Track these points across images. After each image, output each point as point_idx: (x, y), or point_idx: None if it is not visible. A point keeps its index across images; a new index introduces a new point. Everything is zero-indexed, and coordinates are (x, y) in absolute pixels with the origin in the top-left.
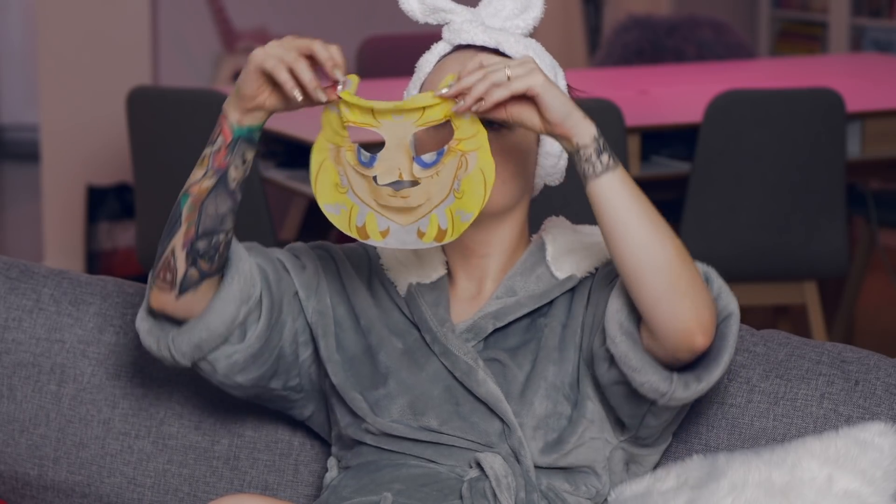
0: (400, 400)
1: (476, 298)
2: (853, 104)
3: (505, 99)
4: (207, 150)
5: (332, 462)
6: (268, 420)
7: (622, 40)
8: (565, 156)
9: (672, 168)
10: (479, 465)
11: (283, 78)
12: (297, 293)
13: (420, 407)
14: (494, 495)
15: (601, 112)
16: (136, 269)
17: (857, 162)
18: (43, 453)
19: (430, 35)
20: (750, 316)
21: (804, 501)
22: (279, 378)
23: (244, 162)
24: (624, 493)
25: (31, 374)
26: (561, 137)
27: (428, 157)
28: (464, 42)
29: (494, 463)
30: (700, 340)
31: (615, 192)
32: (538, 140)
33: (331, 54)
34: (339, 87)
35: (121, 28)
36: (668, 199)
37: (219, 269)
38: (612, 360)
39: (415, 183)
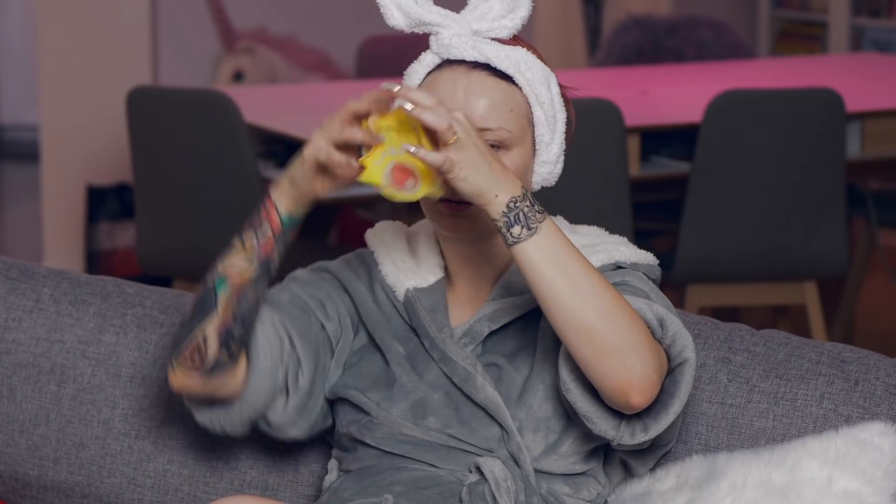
0: (402, 404)
1: (474, 302)
2: (853, 104)
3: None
4: (250, 239)
5: (332, 465)
6: None
7: (622, 40)
8: (562, 159)
9: (672, 168)
10: (478, 469)
11: (336, 160)
12: (323, 327)
13: (421, 412)
14: (494, 499)
15: (601, 112)
16: (136, 269)
17: (857, 162)
18: (43, 454)
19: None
20: (750, 316)
21: (804, 501)
22: (330, 416)
23: (286, 245)
24: (624, 493)
25: (31, 375)
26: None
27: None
28: (453, 57)
29: (494, 467)
30: (636, 399)
31: (527, 261)
32: (534, 151)
33: (368, 100)
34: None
35: (121, 28)
36: (668, 199)
37: (247, 344)
38: None
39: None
